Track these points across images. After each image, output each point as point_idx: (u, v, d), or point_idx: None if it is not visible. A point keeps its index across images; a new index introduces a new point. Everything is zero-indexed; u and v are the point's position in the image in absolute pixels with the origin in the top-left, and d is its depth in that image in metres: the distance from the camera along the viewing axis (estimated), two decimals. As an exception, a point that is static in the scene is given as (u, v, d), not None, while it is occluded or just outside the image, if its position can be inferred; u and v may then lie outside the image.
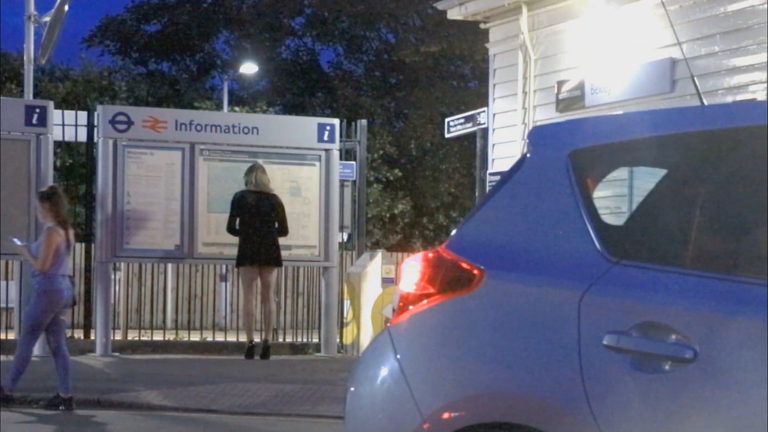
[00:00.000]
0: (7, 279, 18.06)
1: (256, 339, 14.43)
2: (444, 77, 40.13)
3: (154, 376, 11.65)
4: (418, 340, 3.94)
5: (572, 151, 3.90)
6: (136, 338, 15.98)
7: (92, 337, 14.65)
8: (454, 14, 17.04)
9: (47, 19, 16.71)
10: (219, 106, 34.60)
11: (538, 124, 3.79)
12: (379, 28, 42.51)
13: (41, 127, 13.86)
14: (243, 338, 15.08)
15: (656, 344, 3.52)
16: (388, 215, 34.85)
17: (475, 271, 3.85)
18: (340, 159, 15.42)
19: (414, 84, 39.95)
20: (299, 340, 16.39)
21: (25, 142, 13.83)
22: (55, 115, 14.39)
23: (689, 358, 3.47)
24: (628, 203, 4.09)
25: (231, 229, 14.08)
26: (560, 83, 15.19)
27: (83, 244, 16.14)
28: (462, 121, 18.43)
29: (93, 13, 57.20)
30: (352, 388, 4.10)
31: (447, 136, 20.00)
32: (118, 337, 16.03)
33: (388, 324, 4.11)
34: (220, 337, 17.19)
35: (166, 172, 14.37)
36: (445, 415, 3.80)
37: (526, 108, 15.78)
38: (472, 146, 23.92)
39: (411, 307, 3.95)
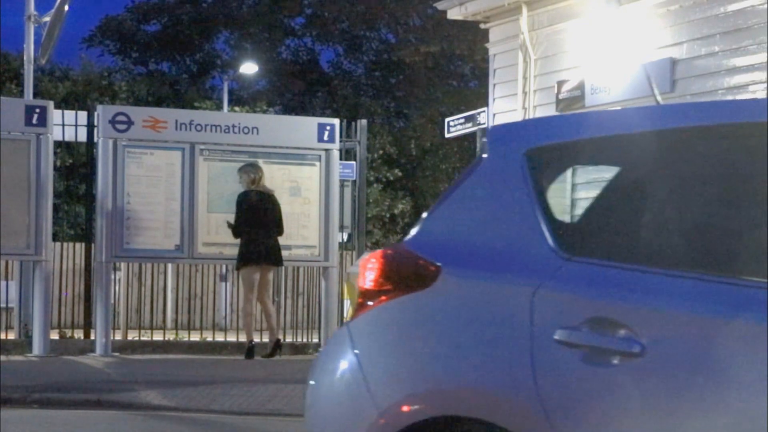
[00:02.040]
0: (7, 279, 18.07)
1: (256, 339, 14.44)
2: (444, 77, 40.15)
3: (154, 376, 11.65)
4: (376, 335, 4.01)
5: (528, 149, 3.98)
6: (136, 338, 15.99)
7: (92, 337, 14.65)
8: (454, 14, 17.03)
9: (47, 19, 16.72)
10: (219, 106, 34.61)
11: (497, 123, 4.04)
12: (379, 28, 42.53)
13: (41, 127, 13.87)
14: (243, 338, 15.08)
15: (605, 339, 3.58)
16: (388, 215, 34.87)
17: (432, 268, 3.91)
18: (340, 159, 15.42)
19: (414, 84, 39.96)
20: (299, 340, 16.39)
21: (25, 142, 13.83)
22: (55, 115, 14.40)
23: (637, 353, 3.53)
24: (587, 201, 4.09)
25: (238, 230, 13.96)
26: (560, 83, 15.19)
27: (83, 244, 16.15)
28: (462, 121, 18.43)
29: (93, 13, 57.20)
30: (312, 382, 4.15)
31: (447, 136, 20.00)
32: (118, 337, 16.04)
33: (348, 319, 4.17)
34: (220, 337, 17.20)
35: (166, 172, 14.38)
36: (401, 410, 3.85)
37: (526, 108, 15.78)
38: (472, 146, 23.95)
39: (369, 303, 4.02)
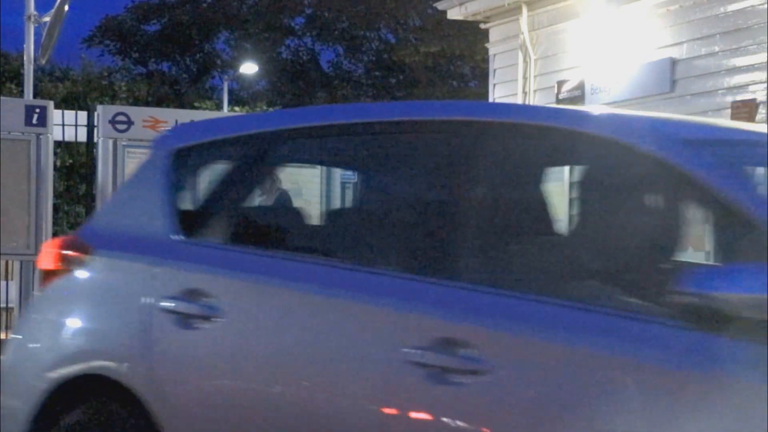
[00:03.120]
0: (7, 279, 18.08)
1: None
2: (444, 77, 40.14)
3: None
4: (47, 306, 4.85)
5: (174, 149, 4.75)
6: (136, 338, 15.97)
7: (92, 337, 14.63)
8: (454, 14, 17.03)
9: (47, 19, 16.70)
10: (219, 106, 34.61)
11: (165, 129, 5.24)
12: (379, 28, 42.52)
13: (41, 127, 13.86)
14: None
15: (193, 306, 4.27)
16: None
17: (87, 250, 4.71)
18: (340, 159, 15.40)
19: (414, 84, 39.96)
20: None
21: (25, 142, 13.83)
22: (55, 115, 14.40)
23: (214, 316, 4.20)
24: (208, 193, 4.72)
25: None
26: (560, 83, 15.19)
27: (83, 244, 16.11)
28: (462, 121, 18.37)
29: (93, 13, 57.12)
30: (13, 336, 5.03)
31: (447, 136, 19.94)
32: (118, 337, 16.01)
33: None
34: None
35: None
36: (55, 370, 4.59)
37: (526, 108, 15.78)
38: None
39: (47, 279, 4.86)
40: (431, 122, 4.18)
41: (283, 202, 12.90)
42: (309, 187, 14.82)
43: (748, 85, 12.63)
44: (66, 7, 16.59)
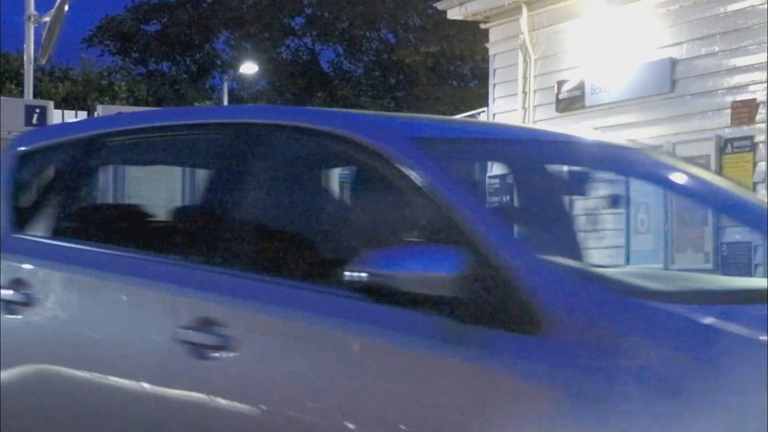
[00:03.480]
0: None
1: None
2: (444, 77, 40.15)
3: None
4: None
5: (18, 152, 5.23)
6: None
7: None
8: (454, 14, 17.03)
9: (47, 19, 16.72)
10: (219, 106, 34.59)
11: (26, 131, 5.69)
12: (379, 28, 42.54)
13: (41, 127, 13.87)
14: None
15: (16, 295, 4.67)
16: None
17: None
18: (340, 159, 15.39)
19: (414, 84, 39.97)
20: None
21: (25, 142, 13.85)
22: (55, 115, 14.41)
23: (28, 303, 4.64)
24: (42, 191, 5.62)
25: None
26: (560, 83, 15.19)
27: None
28: (462, 121, 18.35)
29: (93, 13, 57.19)
30: None
31: (447, 136, 19.92)
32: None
33: None
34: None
35: (167, 172, 14.37)
36: None
37: (526, 108, 15.77)
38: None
39: None
40: (203, 125, 4.81)
41: None
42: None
43: (748, 85, 12.63)
44: (66, 7, 16.61)
